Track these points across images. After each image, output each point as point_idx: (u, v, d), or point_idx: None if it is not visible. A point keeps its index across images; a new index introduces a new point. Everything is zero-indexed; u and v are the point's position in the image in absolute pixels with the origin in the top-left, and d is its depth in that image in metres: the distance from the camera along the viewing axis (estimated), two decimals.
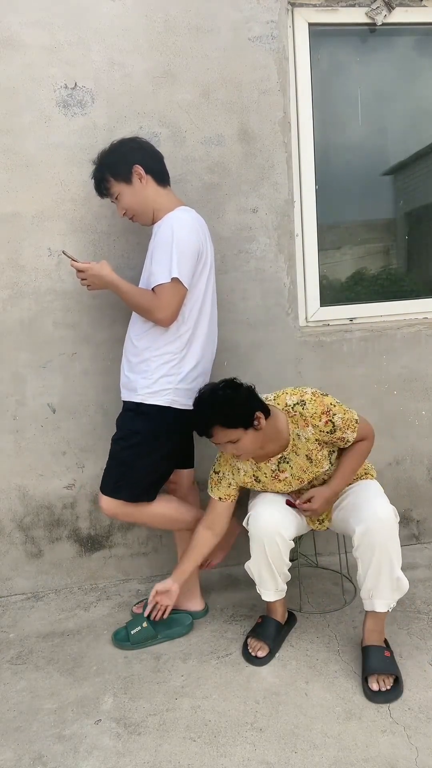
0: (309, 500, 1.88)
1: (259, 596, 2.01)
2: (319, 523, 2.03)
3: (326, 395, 1.85)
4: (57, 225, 2.30)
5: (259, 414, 1.76)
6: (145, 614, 2.03)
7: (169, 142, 2.30)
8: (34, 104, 2.23)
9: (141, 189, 1.95)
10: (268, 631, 1.99)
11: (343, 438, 1.86)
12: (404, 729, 1.62)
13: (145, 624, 2.04)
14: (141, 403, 1.94)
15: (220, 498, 1.98)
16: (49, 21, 2.19)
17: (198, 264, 1.92)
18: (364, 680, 1.78)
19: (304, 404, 1.82)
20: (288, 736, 1.62)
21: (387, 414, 2.61)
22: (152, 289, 1.88)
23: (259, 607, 2.23)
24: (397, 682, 1.77)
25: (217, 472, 1.99)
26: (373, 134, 2.64)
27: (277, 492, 1.97)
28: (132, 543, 2.54)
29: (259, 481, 1.95)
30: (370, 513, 1.77)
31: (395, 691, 1.74)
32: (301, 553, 2.60)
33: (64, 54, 2.22)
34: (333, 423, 1.82)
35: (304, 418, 1.82)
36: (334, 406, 1.83)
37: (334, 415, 1.82)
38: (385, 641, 1.87)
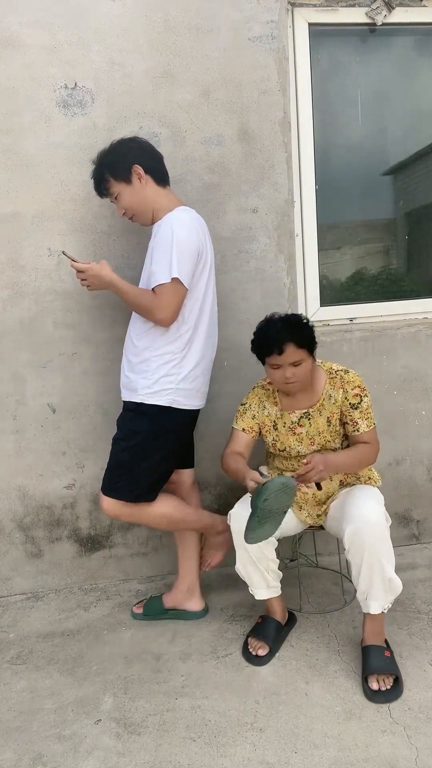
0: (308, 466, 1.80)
1: (264, 599, 2.01)
2: (317, 517, 2.02)
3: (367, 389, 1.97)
4: (57, 225, 2.30)
5: (315, 346, 1.89)
6: None
7: (169, 142, 2.30)
8: (34, 104, 2.23)
9: (140, 189, 1.95)
10: (268, 631, 1.99)
11: (357, 423, 1.92)
12: (404, 729, 1.62)
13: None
14: (141, 404, 1.94)
15: (243, 429, 2.02)
16: (49, 21, 2.19)
17: (198, 264, 1.92)
18: (364, 680, 1.78)
19: (347, 372, 1.96)
20: (288, 736, 1.62)
21: (387, 414, 2.61)
22: (152, 289, 1.88)
23: (259, 607, 2.23)
24: (397, 682, 1.77)
25: (243, 404, 2.05)
26: (373, 134, 2.64)
27: (284, 450, 1.98)
28: (132, 543, 2.54)
29: (276, 429, 2.00)
30: (359, 514, 1.77)
31: (395, 691, 1.74)
32: (301, 553, 2.60)
33: (64, 54, 2.22)
34: (360, 399, 1.92)
35: (342, 380, 1.94)
36: (367, 394, 1.94)
37: (365, 396, 1.93)
38: (386, 641, 1.87)
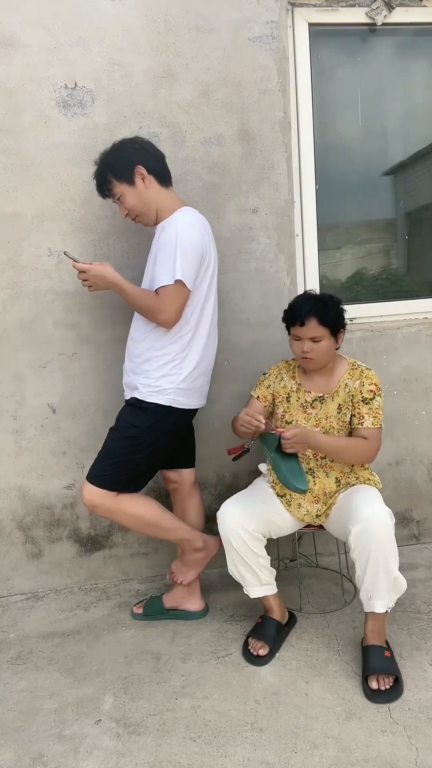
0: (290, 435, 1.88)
1: (259, 596, 2.01)
2: (316, 517, 2.02)
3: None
4: (57, 225, 2.30)
5: (342, 332, 1.97)
6: None
7: (169, 142, 2.30)
8: (34, 104, 2.23)
9: (143, 190, 1.95)
10: (268, 630, 1.99)
11: (363, 418, 1.95)
12: (404, 729, 1.62)
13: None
14: (143, 400, 1.94)
15: (257, 397, 2.11)
16: (49, 21, 2.19)
17: (201, 266, 1.92)
18: (364, 680, 1.78)
19: (369, 369, 1.99)
20: (288, 736, 1.62)
21: (387, 414, 2.60)
22: (155, 290, 1.88)
23: (259, 607, 2.23)
24: (397, 682, 1.77)
25: (264, 374, 2.15)
26: (373, 134, 2.64)
27: (290, 423, 2.02)
28: (132, 543, 2.54)
29: (289, 401, 2.05)
30: (367, 514, 1.77)
31: (395, 691, 1.74)
32: (301, 553, 2.60)
33: (64, 54, 2.22)
34: (373, 396, 1.94)
35: (362, 374, 1.98)
36: (380, 394, 1.96)
37: (378, 395, 1.95)
38: (386, 641, 1.87)
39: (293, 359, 2.12)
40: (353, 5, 2.45)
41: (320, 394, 2.01)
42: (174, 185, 2.08)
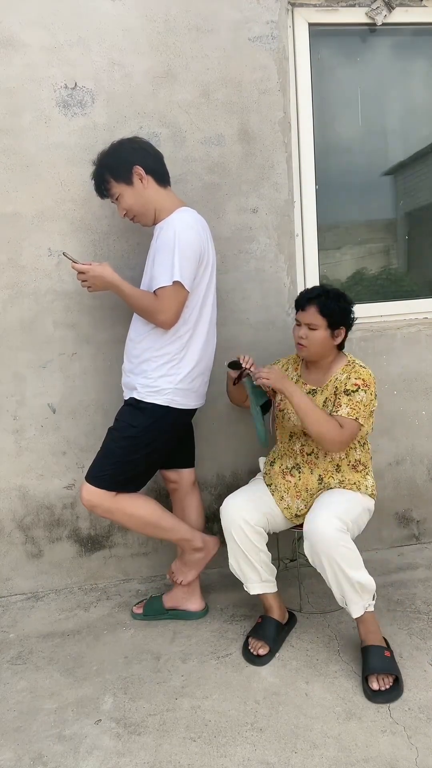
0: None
1: (259, 596, 2.01)
2: (296, 516, 2.02)
3: (374, 392, 1.95)
4: (57, 225, 2.30)
5: (343, 329, 1.97)
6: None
7: (169, 142, 2.30)
8: (34, 104, 2.23)
9: (142, 190, 1.95)
10: (268, 630, 2.00)
11: (340, 406, 1.91)
12: (404, 729, 1.62)
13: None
14: (141, 400, 1.95)
15: None
16: (49, 21, 2.19)
17: (200, 266, 1.92)
18: (364, 680, 1.78)
19: (364, 367, 1.97)
20: (288, 736, 1.62)
21: (387, 414, 2.61)
22: (154, 291, 1.88)
23: (259, 607, 2.23)
24: (397, 682, 1.77)
25: (277, 361, 2.23)
26: (373, 134, 2.64)
27: (283, 411, 2.07)
28: (132, 543, 2.54)
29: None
30: (310, 529, 1.79)
31: (395, 691, 1.74)
32: (301, 553, 2.60)
33: (64, 54, 2.22)
34: (356, 389, 1.91)
35: (353, 369, 1.97)
36: (367, 391, 1.92)
37: (364, 391, 1.91)
38: (386, 641, 1.87)
39: None
40: (353, 5, 2.45)
41: (314, 388, 2.02)
42: (174, 185, 2.08)
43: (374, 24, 2.47)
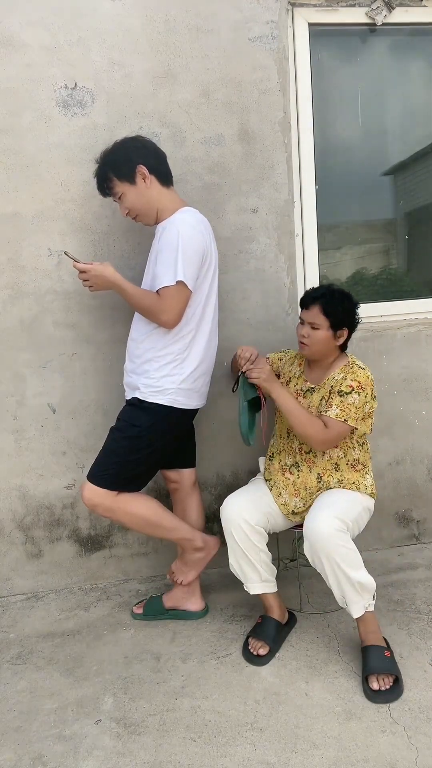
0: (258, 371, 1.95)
1: (259, 596, 2.01)
2: (293, 514, 2.03)
3: (371, 394, 1.93)
4: (57, 225, 2.30)
5: (345, 330, 1.97)
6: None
7: (169, 142, 2.30)
8: (34, 104, 2.23)
9: (145, 189, 1.95)
10: (269, 630, 2.00)
11: (330, 406, 1.91)
12: (404, 729, 1.62)
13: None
14: (144, 400, 1.95)
15: (268, 357, 2.21)
16: (49, 21, 2.19)
17: (202, 266, 1.92)
18: (364, 680, 1.78)
19: (363, 369, 1.95)
20: (288, 736, 1.62)
21: (387, 414, 2.61)
22: (157, 291, 1.88)
23: (259, 606, 2.23)
24: (397, 682, 1.77)
25: (285, 350, 2.25)
26: (373, 134, 2.64)
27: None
28: (132, 543, 2.54)
29: (288, 384, 2.11)
30: (310, 529, 1.79)
31: (395, 691, 1.74)
32: (301, 553, 2.60)
33: (64, 54, 2.22)
34: (350, 391, 1.89)
35: (351, 370, 1.96)
36: (361, 394, 1.90)
37: (358, 393, 1.89)
38: (386, 641, 1.87)
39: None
40: (353, 5, 2.45)
41: (313, 386, 2.02)
42: (174, 185, 2.08)
43: (374, 24, 2.47)
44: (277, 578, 2.06)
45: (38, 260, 2.31)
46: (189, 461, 2.24)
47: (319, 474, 1.99)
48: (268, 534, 2.01)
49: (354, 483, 1.98)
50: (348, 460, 1.99)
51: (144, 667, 1.96)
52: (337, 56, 2.55)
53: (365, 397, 1.90)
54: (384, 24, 2.48)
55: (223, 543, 2.05)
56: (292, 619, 2.13)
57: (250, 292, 2.45)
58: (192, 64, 2.29)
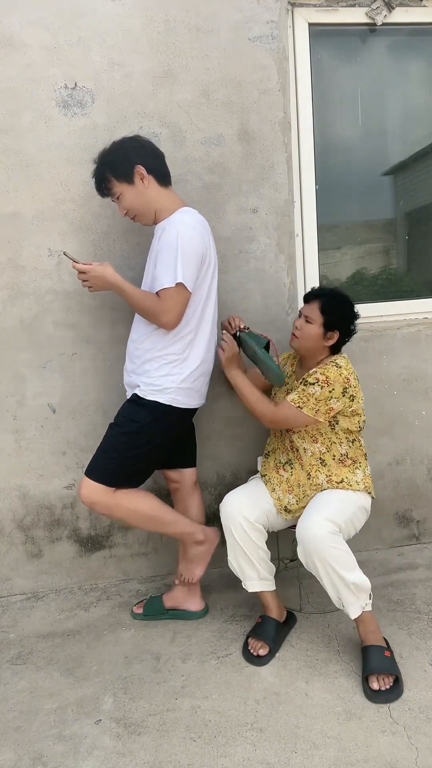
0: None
1: (257, 594, 2.01)
2: (285, 511, 2.02)
3: (339, 391, 1.91)
4: (57, 225, 2.30)
5: (336, 333, 2.00)
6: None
7: (169, 142, 2.30)
8: (34, 104, 2.23)
9: (143, 189, 1.95)
10: (268, 630, 2.00)
11: (291, 391, 2.02)
12: (404, 729, 1.62)
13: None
14: (143, 397, 1.95)
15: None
16: (49, 21, 2.19)
17: (202, 267, 1.92)
18: (364, 680, 1.78)
19: (338, 366, 1.93)
20: (288, 736, 1.62)
21: (387, 414, 2.61)
22: (156, 292, 1.88)
23: (259, 606, 2.23)
24: (397, 682, 1.77)
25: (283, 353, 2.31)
26: (373, 134, 2.64)
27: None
28: (132, 543, 2.54)
29: (287, 384, 2.14)
30: (301, 533, 1.80)
31: (395, 691, 1.74)
32: None
33: (64, 54, 2.22)
34: (315, 383, 1.90)
35: (326, 366, 1.95)
36: (328, 395, 1.90)
37: (323, 387, 1.89)
38: (386, 641, 1.87)
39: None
40: (353, 5, 2.45)
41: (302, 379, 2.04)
42: (174, 185, 2.08)
43: (374, 24, 2.47)
44: (277, 578, 2.06)
45: (38, 260, 2.31)
46: (190, 461, 2.24)
47: (308, 471, 2.00)
48: (268, 532, 2.02)
49: (343, 480, 1.96)
50: (333, 455, 1.99)
51: (144, 667, 1.96)
52: (337, 56, 2.55)
53: (329, 392, 1.89)
54: (384, 24, 2.48)
55: (223, 541, 2.05)
56: (291, 619, 2.13)
57: (251, 292, 2.45)
58: (192, 64, 2.29)
